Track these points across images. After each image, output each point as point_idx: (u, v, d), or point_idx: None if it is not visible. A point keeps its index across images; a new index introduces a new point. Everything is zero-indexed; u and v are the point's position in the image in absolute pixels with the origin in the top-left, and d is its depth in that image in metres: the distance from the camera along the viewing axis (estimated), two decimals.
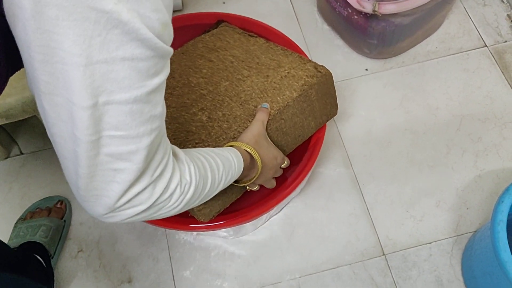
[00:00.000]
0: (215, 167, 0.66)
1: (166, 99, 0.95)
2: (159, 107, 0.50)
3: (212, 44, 1.01)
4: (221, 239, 1.08)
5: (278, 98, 0.88)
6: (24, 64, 0.44)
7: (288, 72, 0.91)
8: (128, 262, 1.07)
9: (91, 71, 0.42)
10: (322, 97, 0.93)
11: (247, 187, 0.88)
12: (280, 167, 0.91)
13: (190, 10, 1.41)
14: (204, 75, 0.95)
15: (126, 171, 0.49)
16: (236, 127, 0.86)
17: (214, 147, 0.83)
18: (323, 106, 0.95)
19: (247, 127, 0.85)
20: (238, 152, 0.75)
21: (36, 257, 1.00)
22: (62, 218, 1.10)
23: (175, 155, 0.59)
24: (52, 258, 1.05)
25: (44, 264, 1.00)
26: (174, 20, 1.11)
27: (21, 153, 1.21)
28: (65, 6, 0.39)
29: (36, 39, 0.40)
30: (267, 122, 0.86)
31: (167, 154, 0.55)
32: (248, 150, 0.79)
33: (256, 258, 1.06)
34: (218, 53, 0.98)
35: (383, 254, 1.06)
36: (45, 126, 0.48)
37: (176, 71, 0.98)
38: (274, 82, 0.90)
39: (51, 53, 0.41)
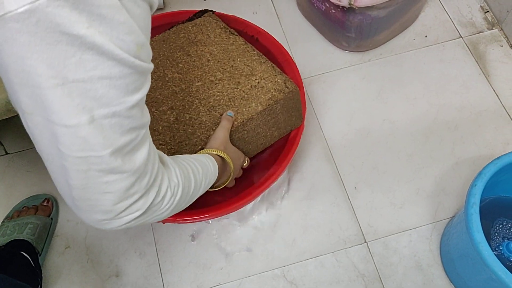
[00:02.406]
0: (196, 171, 0.68)
1: None
2: (141, 119, 0.51)
3: (193, 36, 1.03)
4: (206, 232, 1.10)
5: (244, 109, 0.91)
6: (5, 85, 0.45)
7: (258, 82, 0.94)
8: (115, 257, 1.09)
9: (69, 90, 0.43)
10: (288, 111, 0.96)
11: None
12: (241, 167, 0.95)
13: (171, 8, 1.42)
14: (180, 70, 0.97)
15: (117, 182, 0.50)
16: (199, 134, 0.89)
17: (176, 151, 0.87)
18: (288, 118, 0.98)
19: (209, 135, 0.88)
20: (213, 158, 0.78)
21: (23, 254, 1.01)
22: (49, 216, 1.12)
23: (160, 159, 0.60)
24: (40, 255, 1.06)
25: (31, 261, 1.01)
26: (156, 19, 1.13)
27: (6, 153, 1.22)
28: (36, 32, 0.39)
29: (11, 64, 0.41)
30: (231, 132, 0.89)
31: (156, 160, 0.56)
32: (222, 155, 0.82)
33: (241, 249, 1.09)
34: (197, 47, 1.01)
35: (365, 242, 1.09)
36: (33, 142, 0.49)
37: (154, 60, 1.00)
38: (243, 91, 0.93)
39: (27, 77, 0.42)
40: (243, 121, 0.90)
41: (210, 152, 0.82)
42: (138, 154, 0.51)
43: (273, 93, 0.92)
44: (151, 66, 0.50)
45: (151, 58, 0.51)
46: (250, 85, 0.94)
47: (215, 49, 1.00)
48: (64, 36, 0.40)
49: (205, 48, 1.00)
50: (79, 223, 1.13)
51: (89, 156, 0.47)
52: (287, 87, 0.93)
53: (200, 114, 0.92)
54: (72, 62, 0.42)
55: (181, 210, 0.66)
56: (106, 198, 0.51)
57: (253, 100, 0.92)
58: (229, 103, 0.92)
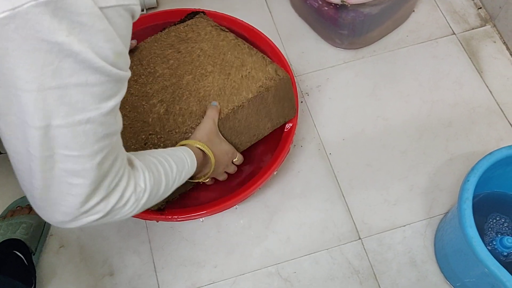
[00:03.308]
0: (169, 170, 0.69)
1: (130, 86, 0.98)
2: (114, 126, 0.52)
3: (184, 35, 1.03)
4: (200, 230, 1.10)
5: (234, 97, 0.90)
6: None
7: (249, 72, 0.93)
8: (109, 256, 1.09)
9: (44, 96, 0.43)
10: (280, 100, 0.96)
11: (201, 180, 0.91)
12: (233, 162, 0.94)
13: (164, 7, 1.42)
14: (170, 66, 0.98)
15: (80, 186, 0.51)
16: (190, 123, 0.89)
17: (166, 140, 0.87)
18: (281, 108, 0.97)
19: (199, 123, 0.87)
20: (191, 151, 0.78)
21: (17, 254, 1.00)
22: None
23: (130, 163, 0.61)
24: (33, 254, 1.06)
25: (25, 261, 1.01)
26: (148, 18, 1.13)
27: (0, 153, 1.21)
28: (15, 38, 0.40)
29: None
30: (220, 120, 0.88)
31: (122, 166, 0.56)
32: (201, 147, 0.82)
33: (236, 246, 1.09)
34: (187, 44, 1.01)
35: (359, 238, 1.09)
36: (2, 141, 0.49)
37: (145, 58, 1.01)
38: (234, 81, 0.92)
39: (4, 79, 0.42)
40: (234, 108, 0.89)
41: (190, 144, 0.81)
42: (107, 160, 0.52)
43: (264, 81, 0.92)
44: (128, 74, 0.51)
45: (128, 66, 0.51)
46: (240, 75, 0.93)
47: (205, 45, 1.00)
48: (43, 44, 0.41)
49: (195, 45, 1.00)
50: None
51: (56, 154, 0.47)
52: (278, 75, 0.93)
53: (190, 104, 0.91)
54: (50, 70, 0.42)
55: (149, 207, 0.67)
56: (68, 199, 0.51)
57: (244, 89, 0.91)
58: (219, 93, 0.91)
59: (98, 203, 0.54)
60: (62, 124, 0.46)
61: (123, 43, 0.48)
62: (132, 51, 1.03)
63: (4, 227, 1.06)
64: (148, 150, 0.71)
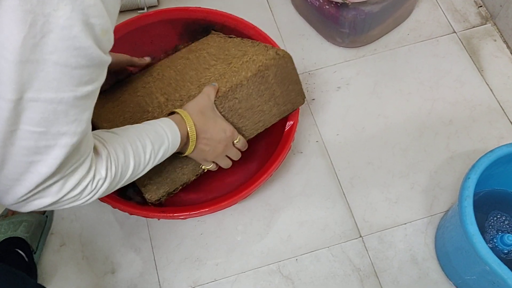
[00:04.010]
0: (141, 150, 0.67)
1: (138, 90, 0.99)
2: (88, 113, 0.51)
3: (194, 47, 1.06)
4: (202, 227, 1.10)
5: (233, 78, 0.88)
6: None
7: (250, 58, 0.91)
8: (110, 254, 1.09)
9: (20, 68, 0.43)
10: (283, 81, 0.92)
11: (203, 167, 0.89)
12: (234, 146, 0.89)
13: (166, 5, 1.42)
14: (177, 70, 1.00)
15: (41, 164, 0.50)
16: None
17: None
18: (286, 92, 0.94)
19: None
20: (172, 122, 0.75)
21: (18, 252, 1.00)
22: (43, 213, 1.11)
23: (95, 151, 0.60)
24: (35, 253, 1.06)
25: (26, 259, 1.01)
26: (151, 16, 1.12)
27: None
28: (2, 6, 0.40)
29: None
30: (218, 99, 0.85)
31: (86, 153, 0.56)
32: (179, 113, 0.78)
33: (237, 244, 1.09)
34: (196, 53, 1.03)
35: (360, 236, 1.09)
36: None
37: (156, 71, 1.03)
38: (235, 67, 0.91)
39: None
40: (232, 86, 0.86)
41: (177, 111, 0.79)
42: (70, 141, 0.50)
43: (264, 61, 0.89)
44: (108, 58, 0.50)
45: (111, 47, 0.50)
46: (241, 61, 0.92)
47: (213, 50, 1.01)
48: (29, 15, 0.40)
49: (203, 51, 1.02)
50: (74, 220, 1.13)
51: (19, 129, 0.46)
52: (278, 54, 0.90)
53: (190, 91, 0.91)
54: (31, 43, 0.42)
55: (117, 189, 0.66)
56: (25, 178, 0.50)
57: (243, 71, 0.89)
58: (219, 78, 0.90)
59: (51, 185, 0.53)
60: (33, 98, 0.45)
61: (111, 20, 0.48)
62: (145, 67, 1.06)
63: (5, 226, 1.07)
64: (124, 127, 0.69)
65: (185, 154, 0.82)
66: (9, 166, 0.49)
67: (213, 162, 0.89)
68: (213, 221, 1.11)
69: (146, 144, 0.68)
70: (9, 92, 0.43)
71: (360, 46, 1.32)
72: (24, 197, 0.52)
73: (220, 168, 0.92)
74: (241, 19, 1.09)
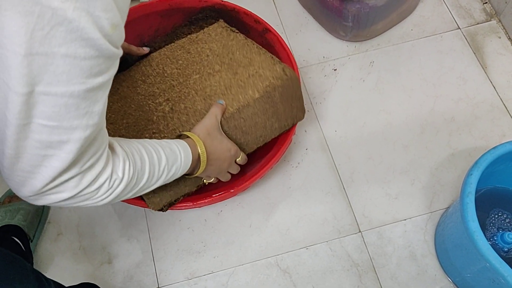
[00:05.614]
0: (157, 162, 0.67)
1: (138, 86, 0.98)
2: (99, 105, 0.51)
3: (195, 36, 1.04)
4: (200, 219, 1.10)
5: (240, 96, 0.89)
6: None
7: (256, 71, 0.91)
8: (107, 244, 1.08)
9: (29, 61, 0.42)
10: (287, 99, 0.93)
11: (204, 180, 0.90)
12: (236, 162, 0.91)
13: None
14: (179, 66, 0.98)
15: (55, 158, 0.50)
16: (193, 121, 0.88)
17: (169, 139, 0.86)
18: (289, 109, 0.95)
19: None
20: (186, 144, 0.76)
21: (14, 240, 1.00)
22: None
23: (112, 149, 0.59)
24: (31, 241, 1.05)
25: (23, 247, 1.01)
26: (155, 4, 1.11)
27: None
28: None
29: None
30: (225, 119, 0.87)
31: (101, 148, 0.55)
32: (192, 137, 0.79)
33: (235, 237, 1.08)
34: (197, 45, 1.01)
35: (359, 231, 1.09)
36: None
37: (155, 60, 1.01)
38: (240, 80, 0.91)
39: None
40: (239, 107, 0.88)
41: (187, 134, 0.80)
42: (82, 135, 0.50)
43: (271, 80, 0.90)
44: (120, 51, 0.50)
45: (122, 42, 0.50)
46: (247, 74, 0.92)
47: (215, 45, 1.00)
48: (37, 7, 0.40)
49: (205, 45, 1.00)
50: (71, 210, 1.12)
51: (32, 123, 0.46)
52: (286, 74, 0.91)
53: (196, 103, 0.91)
54: (39, 35, 0.41)
55: (130, 198, 0.66)
56: (39, 171, 0.50)
57: (250, 88, 0.90)
58: (225, 92, 0.90)
59: (68, 180, 0.53)
60: (44, 91, 0.44)
61: (120, 15, 0.47)
62: (144, 56, 1.04)
63: (2, 213, 1.06)
64: (139, 139, 0.69)
65: (194, 176, 0.84)
66: (23, 159, 0.49)
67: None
68: (211, 214, 1.10)
69: (161, 157, 0.68)
70: (20, 86, 0.43)
71: (363, 41, 1.31)
72: (41, 191, 0.52)
73: None
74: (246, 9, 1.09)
